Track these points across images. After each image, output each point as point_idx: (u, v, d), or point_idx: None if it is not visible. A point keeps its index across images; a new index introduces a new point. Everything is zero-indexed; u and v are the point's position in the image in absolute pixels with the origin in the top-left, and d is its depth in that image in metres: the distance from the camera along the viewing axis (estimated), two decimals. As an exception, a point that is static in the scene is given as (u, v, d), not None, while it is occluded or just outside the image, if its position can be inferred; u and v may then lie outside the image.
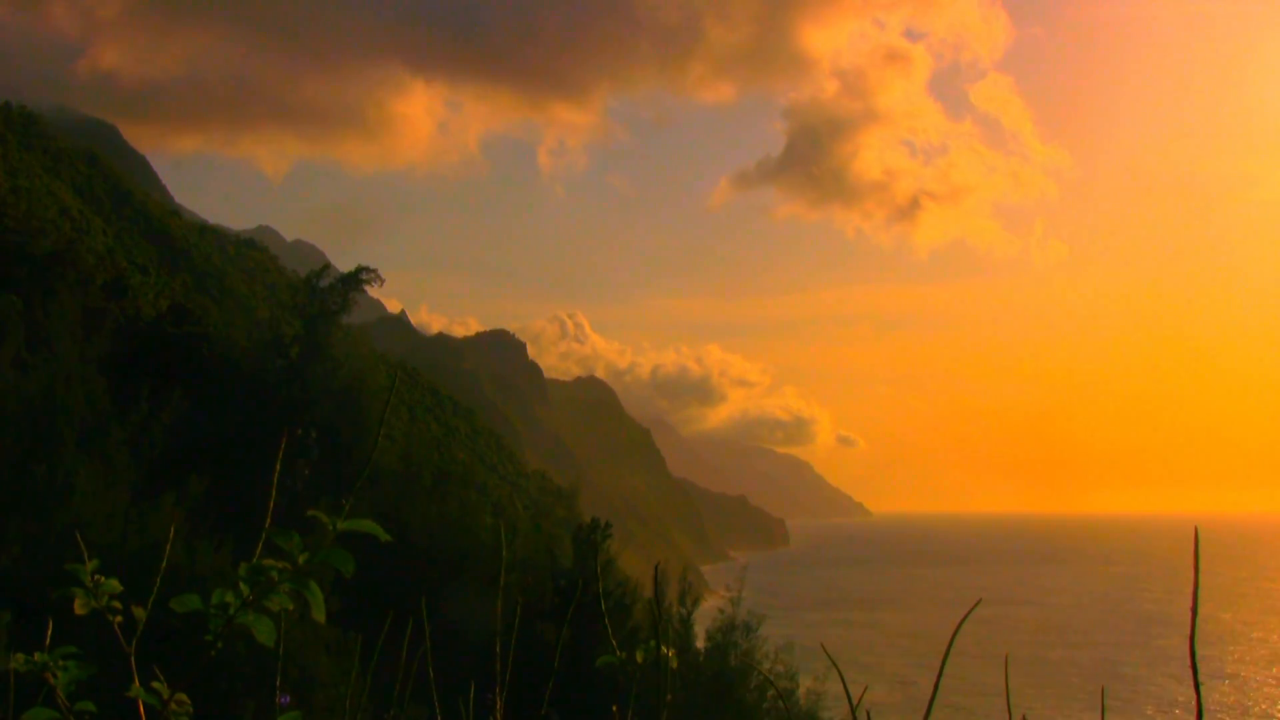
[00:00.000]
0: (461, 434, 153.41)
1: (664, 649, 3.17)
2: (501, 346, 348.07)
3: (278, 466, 2.74)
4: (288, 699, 3.31)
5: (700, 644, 58.04)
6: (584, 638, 44.52)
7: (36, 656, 2.80)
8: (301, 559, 2.38)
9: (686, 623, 57.87)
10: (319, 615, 2.35)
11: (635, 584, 57.72)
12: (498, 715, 3.67)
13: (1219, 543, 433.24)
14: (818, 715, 55.50)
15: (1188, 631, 2.51)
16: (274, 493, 2.71)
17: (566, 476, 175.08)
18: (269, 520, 2.49)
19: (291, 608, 2.43)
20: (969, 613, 2.79)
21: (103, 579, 2.77)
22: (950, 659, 2.95)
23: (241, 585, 2.41)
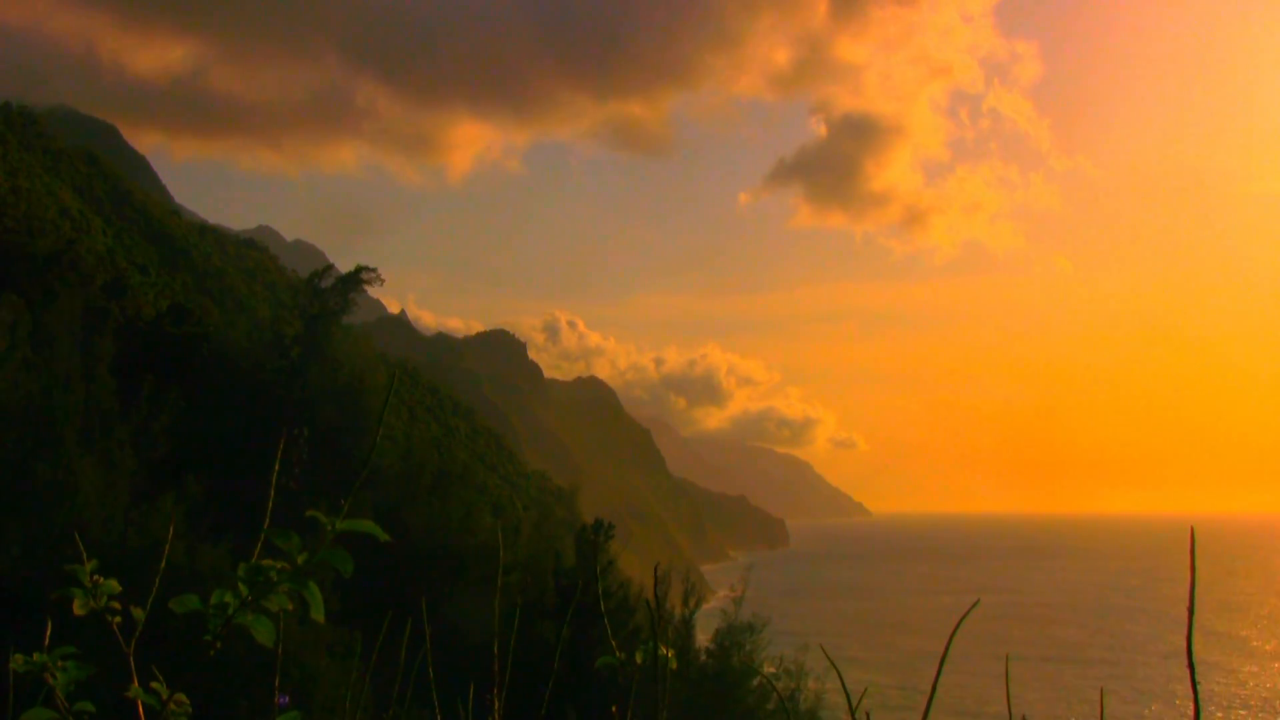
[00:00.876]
0: (461, 434, 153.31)
1: (663, 650, 3.16)
2: (501, 346, 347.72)
3: (276, 466, 2.74)
4: (286, 699, 3.30)
5: (701, 644, 57.92)
6: (585, 638, 44.53)
7: (35, 657, 2.80)
8: (300, 559, 2.38)
9: (688, 623, 57.77)
10: (318, 615, 2.35)
11: (638, 584, 57.67)
12: (496, 716, 3.66)
13: (1215, 543, 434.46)
14: (818, 716, 55.40)
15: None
16: (272, 493, 2.71)
17: (566, 476, 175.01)
18: (267, 520, 2.49)
19: (291, 608, 2.42)
20: (966, 614, 2.79)
21: (101, 579, 2.77)
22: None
23: (240, 585, 2.41)
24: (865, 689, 3.50)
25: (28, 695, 2.85)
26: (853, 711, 3.18)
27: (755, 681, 54.60)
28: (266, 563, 2.40)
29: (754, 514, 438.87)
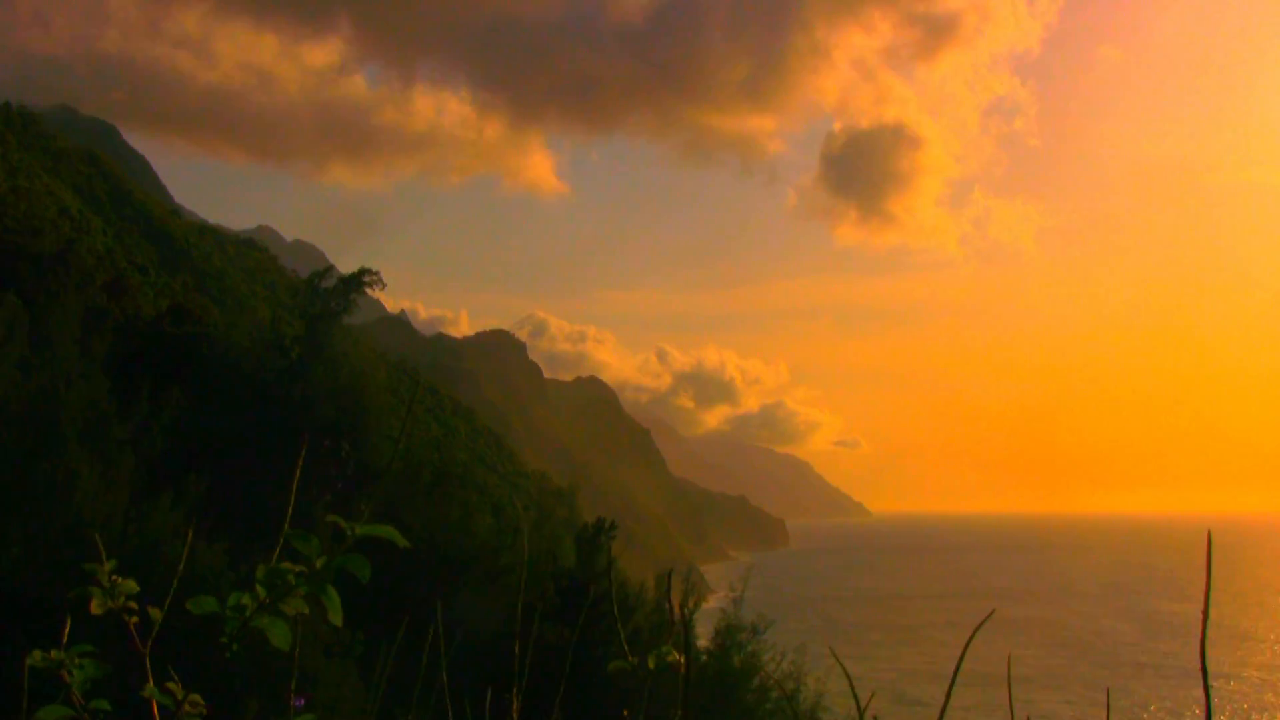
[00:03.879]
0: (461, 434, 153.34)
1: (676, 655, 3.19)
2: (501, 346, 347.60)
3: (298, 471, 2.76)
4: (302, 701, 3.33)
5: (702, 644, 57.81)
6: (586, 639, 44.49)
7: (53, 654, 2.81)
8: (319, 563, 2.40)
9: (688, 624, 57.65)
10: (336, 619, 2.37)
11: (640, 585, 57.66)
12: (515, 715, 3.69)
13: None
14: (817, 716, 55.32)
15: (1194, 632, 2.55)
16: (292, 497, 2.73)
17: (566, 476, 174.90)
18: (287, 524, 2.51)
19: (308, 611, 2.44)
20: (981, 624, 2.82)
21: (119, 579, 2.79)
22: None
23: (259, 588, 2.43)
24: (873, 692, 3.52)
25: (39, 694, 2.87)
26: (861, 713, 3.20)
27: (755, 681, 54.57)
28: (285, 565, 2.42)
29: (754, 514, 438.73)
